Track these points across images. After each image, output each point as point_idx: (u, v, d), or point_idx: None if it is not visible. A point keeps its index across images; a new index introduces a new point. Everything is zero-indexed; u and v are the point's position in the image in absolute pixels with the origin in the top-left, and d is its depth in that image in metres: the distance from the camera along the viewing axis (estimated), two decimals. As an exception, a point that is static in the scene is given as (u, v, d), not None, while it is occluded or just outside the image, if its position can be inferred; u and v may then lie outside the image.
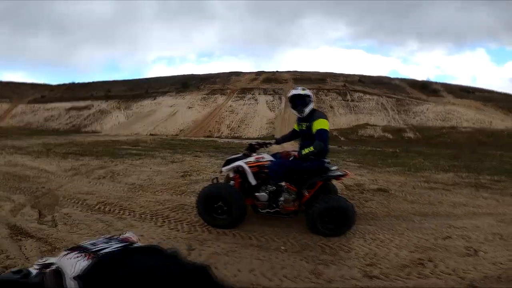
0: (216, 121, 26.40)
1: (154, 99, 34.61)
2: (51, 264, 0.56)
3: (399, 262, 2.76)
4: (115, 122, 29.98)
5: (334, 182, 3.83)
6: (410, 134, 22.48)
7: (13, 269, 0.57)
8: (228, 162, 3.46)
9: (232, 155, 3.62)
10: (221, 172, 3.65)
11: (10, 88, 47.96)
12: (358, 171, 7.23)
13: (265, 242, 3.07)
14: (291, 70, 42.83)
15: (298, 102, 3.34)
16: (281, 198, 3.26)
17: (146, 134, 22.71)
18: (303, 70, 42.17)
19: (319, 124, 3.19)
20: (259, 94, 31.88)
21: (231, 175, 3.49)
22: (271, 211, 3.32)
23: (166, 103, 32.53)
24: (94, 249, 0.55)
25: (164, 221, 3.59)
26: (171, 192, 4.88)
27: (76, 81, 47.48)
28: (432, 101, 29.51)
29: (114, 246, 0.57)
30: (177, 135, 22.88)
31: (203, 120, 26.81)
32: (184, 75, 45.16)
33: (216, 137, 22.04)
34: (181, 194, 4.79)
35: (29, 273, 0.56)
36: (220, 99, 31.84)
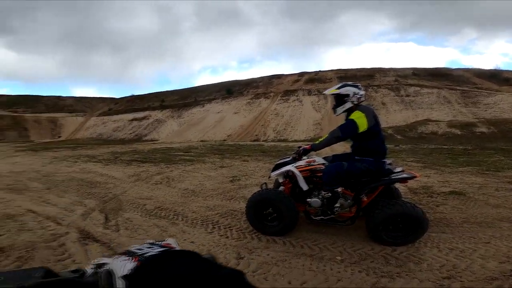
0: (262, 125, 26.61)
1: (203, 106, 36.52)
2: (104, 264, 0.63)
3: (486, 274, 2.35)
4: (170, 130, 32.38)
5: (397, 184, 3.41)
6: (483, 129, 19.56)
7: (71, 269, 0.64)
8: (277, 167, 3.32)
9: (281, 159, 3.48)
10: (269, 177, 3.54)
11: (83, 103, 55.40)
12: (423, 172, 6.46)
13: (318, 252, 2.84)
14: (334, 68, 41.32)
15: (336, 101, 3.09)
16: (337, 204, 3.00)
17: (197, 141, 23.96)
18: (347, 68, 40.35)
19: (351, 116, 2.90)
20: (303, 95, 31.27)
21: (281, 180, 3.34)
22: (325, 218, 3.08)
23: (213, 109, 34.04)
24: (140, 253, 0.61)
25: (214, 227, 3.60)
26: (220, 198, 4.93)
27: (135, 94, 52.49)
28: (505, 91, 25.39)
29: (156, 250, 0.63)
30: (225, 140, 23.65)
31: (249, 124, 27.26)
32: (228, 82, 46.83)
33: (262, 140, 22.17)
34: (231, 199, 4.80)
35: (84, 272, 0.63)
36: (264, 102, 32.09)
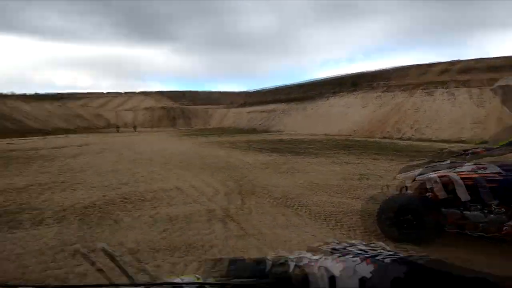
0: (396, 121, 23.35)
1: (327, 99, 35.72)
2: (304, 258, 0.63)
3: None
4: (294, 122, 33.76)
5: None
6: None
7: (255, 257, 0.66)
8: (424, 171, 2.90)
9: (431, 161, 3.00)
10: (413, 180, 3.10)
11: (224, 97, 65.56)
12: None
13: None
14: (507, 55, 30.34)
15: None
16: (509, 223, 2.35)
17: (321, 134, 23.85)
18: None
19: None
20: (456, 87, 24.93)
21: (429, 185, 2.89)
22: (487, 235, 2.48)
23: (338, 103, 32.68)
24: (367, 255, 0.58)
25: (337, 225, 3.52)
26: (346, 195, 4.77)
27: (265, 87, 57.34)
28: None
29: (385, 253, 0.59)
30: (350, 135, 22.39)
31: (380, 119, 24.55)
32: (354, 74, 43.46)
33: (396, 138, 19.53)
34: (357, 199, 4.55)
35: (269, 262, 0.62)
36: (400, 96, 27.83)
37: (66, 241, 3.01)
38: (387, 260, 0.55)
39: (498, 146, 2.52)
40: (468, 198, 2.56)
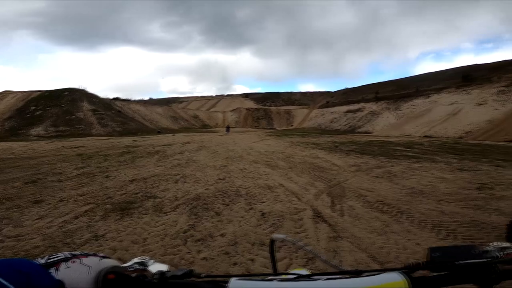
0: (529, 119, 18.29)
1: (427, 97, 30.88)
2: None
3: None
4: (385, 123, 30.55)
5: None
6: None
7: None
8: None
9: None
10: None
11: (307, 97, 64.91)
12: None
13: None
14: None
15: None
16: None
17: (420, 136, 20.84)
18: None
19: None
20: None
21: None
22: None
23: (443, 101, 27.82)
24: None
25: (449, 235, 3.10)
26: (461, 205, 4.08)
27: (349, 86, 54.05)
28: None
29: None
30: (461, 137, 18.79)
31: (504, 119, 19.70)
32: (462, 67, 36.28)
33: (528, 141, 15.33)
34: (476, 209, 3.87)
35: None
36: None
37: (179, 229, 3.42)
38: None
39: None
40: None
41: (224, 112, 60.15)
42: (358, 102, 42.09)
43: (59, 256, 0.40)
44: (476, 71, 32.71)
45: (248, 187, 5.40)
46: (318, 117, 46.74)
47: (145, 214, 3.90)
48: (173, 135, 26.18)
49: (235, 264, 2.58)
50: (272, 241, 0.72)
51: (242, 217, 3.80)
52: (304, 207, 4.18)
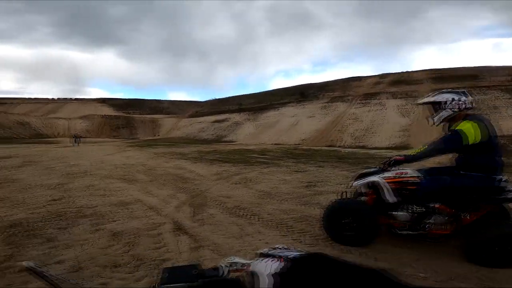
0: (338, 130, 25.44)
1: (277, 110, 37.23)
2: (236, 263, 0.71)
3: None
4: (246, 132, 34.23)
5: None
6: None
7: (210, 266, 0.74)
8: (360, 177, 3.20)
9: (365, 169, 3.33)
10: (351, 186, 3.41)
11: (176, 106, 63.59)
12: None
13: (397, 266, 2.59)
14: (426, 68, 36.11)
15: (434, 110, 2.87)
16: (430, 220, 2.78)
17: (271, 144, 24.60)
18: (442, 67, 34.85)
19: (459, 126, 2.62)
20: (387, 98, 28.44)
21: (364, 190, 3.21)
22: (413, 233, 2.85)
23: (288, 113, 34.31)
24: (281, 254, 0.67)
25: (288, 231, 3.63)
26: (295, 202, 4.96)
27: (217, 97, 57.43)
28: None
29: (295, 252, 0.67)
30: (299, 144, 23.57)
31: (325, 129, 26.46)
32: (301, 85, 46.37)
33: (338, 146, 21.20)
34: (305, 205, 4.77)
35: (219, 269, 0.71)
36: (342, 106, 30.55)
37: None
38: (293, 256, 0.64)
39: (415, 153, 2.92)
40: (395, 200, 2.90)
41: (70, 119, 49.25)
42: (224, 112, 45.04)
43: None
44: (309, 89, 42.21)
45: (95, 206, 4.61)
46: (187, 126, 46.56)
47: None
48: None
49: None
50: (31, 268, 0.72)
51: (85, 240, 3.24)
52: (163, 220, 3.97)
